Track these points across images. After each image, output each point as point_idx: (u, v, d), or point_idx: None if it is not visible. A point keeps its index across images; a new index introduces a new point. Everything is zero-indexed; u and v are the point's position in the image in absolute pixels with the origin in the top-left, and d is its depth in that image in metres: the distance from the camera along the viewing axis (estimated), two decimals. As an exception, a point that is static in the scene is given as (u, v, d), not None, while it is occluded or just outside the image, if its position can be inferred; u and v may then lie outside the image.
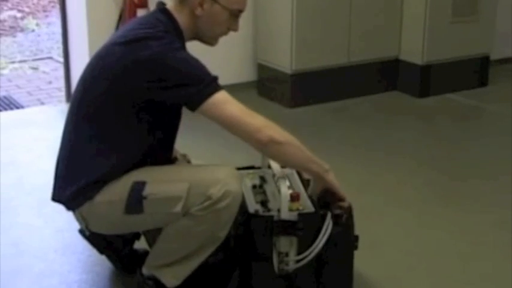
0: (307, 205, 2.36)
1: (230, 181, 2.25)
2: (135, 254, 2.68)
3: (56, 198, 2.40)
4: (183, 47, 2.32)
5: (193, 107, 2.20)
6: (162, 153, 2.44)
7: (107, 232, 2.47)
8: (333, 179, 2.40)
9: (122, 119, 2.28)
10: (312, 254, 2.31)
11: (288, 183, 2.43)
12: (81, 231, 2.61)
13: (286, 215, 2.29)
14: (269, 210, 2.35)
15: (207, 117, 2.22)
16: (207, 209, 2.22)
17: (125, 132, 2.30)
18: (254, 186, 2.52)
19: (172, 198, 2.23)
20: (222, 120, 2.21)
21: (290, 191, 2.35)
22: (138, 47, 2.21)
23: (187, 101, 2.21)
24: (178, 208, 2.22)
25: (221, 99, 2.20)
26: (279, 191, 2.37)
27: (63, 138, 2.43)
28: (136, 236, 2.67)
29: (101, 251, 2.63)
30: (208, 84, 2.20)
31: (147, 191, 2.25)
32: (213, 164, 2.38)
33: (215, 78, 2.23)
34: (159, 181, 2.28)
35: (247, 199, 2.41)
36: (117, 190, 2.29)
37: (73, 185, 2.32)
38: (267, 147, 2.24)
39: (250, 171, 2.60)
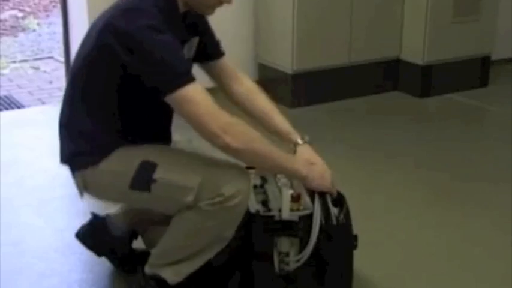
0: (308, 205, 2.35)
1: (242, 180, 2.25)
2: (134, 254, 2.68)
3: (61, 160, 2.41)
4: (173, 24, 2.22)
5: (159, 95, 2.14)
6: (161, 124, 2.44)
7: (106, 200, 2.50)
8: (316, 184, 2.35)
9: (113, 83, 2.25)
10: (309, 247, 2.29)
11: (289, 183, 2.42)
12: (77, 236, 2.62)
13: (287, 215, 2.28)
14: (270, 210, 2.34)
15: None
16: (217, 205, 2.21)
17: (116, 96, 2.27)
18: (255, 186, 2.50)
19: (183, 188, 2.21)
20: (184, 118, 2.16)
21: (291, 191, 2.34)
22: (123, 17, 2.16)
23: (155, 87, 2.14)
24: (189, 198, 2.20)
25: (186, 95, 2.12)
26: (279, 191, 2.37)
27: (63, 100, 2.43)
28: (134, 235, 2.68)
29: (98, 253, 2.64)
30: (178, 76, 2.12)
31: (158, 174, 2.23)
32: (224, 160, 2.32)
33: (187, 71, 2.15)
34: (171, 167, 2.26)
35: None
36: (125, 162, 2.27)
37: (76, 146, 2.34)
38: (227, 152, 2.18)
39: (252, 170, 2.57)
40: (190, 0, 2.28)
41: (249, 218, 2.32)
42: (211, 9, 2.33)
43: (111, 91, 2.26)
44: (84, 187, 2.39)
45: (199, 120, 2.13)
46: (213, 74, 2.59)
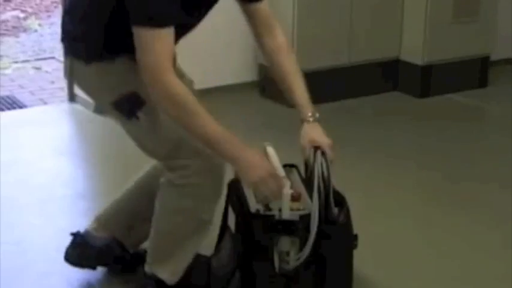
0: (308, 205, 2.34)
1: (215, 166, 2.28)
2: (136, 254, 2.68)
3: (61, 38, 2.39)
4: None
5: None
6: None
7: (85, 94, 2.55)
8: (246, 183, 2.25)
9: None
10: (308, 246, 2.27)
11: (288, 182, 2.39)
12: (66, 260, 2.65)
13: (287, 215, 2.28)
14: (270, 209, 2.33)
15: None
16: (184, 178, 2.27)
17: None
18: None
19: (162, 138, 2.28)
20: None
21: (291, 191, 2.31)
22: None
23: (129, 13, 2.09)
24: (163, 150, 2.29)
25: (142, 37, 2.07)
26: None
27: None
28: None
29: (92, 267, 2.67)
30: (144, 15, 2.06)
31: (142, 113, 2.25)
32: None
33: (158, 17, 2.06)
34: (156, 113, 2.23)
35: (248, 198, 2.39)
36: (116, 81, 2.28)
37: (76, 31, 2.31)
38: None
39: None
40: None
41: (250, 218, 2.32)
42: None
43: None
44: (70, 74, 2.40)
45: (140, 63, 2.09)
46: (248, 17, 2.49)
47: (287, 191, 2.28)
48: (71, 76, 2.43)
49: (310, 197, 2.35)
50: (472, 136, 4.36)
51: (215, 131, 2.11)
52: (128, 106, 2.27)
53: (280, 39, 2.51)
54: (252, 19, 2.49)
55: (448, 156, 4.01)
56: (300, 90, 2.49)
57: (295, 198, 2.32)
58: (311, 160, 2.39)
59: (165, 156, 2.32)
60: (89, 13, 2.27)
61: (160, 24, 2.06)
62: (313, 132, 2.44)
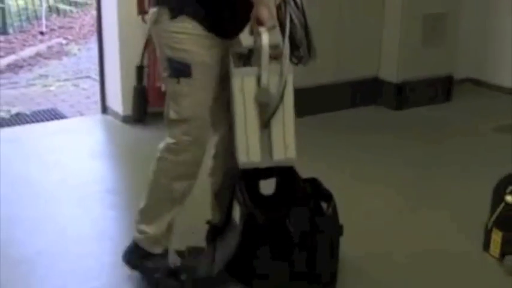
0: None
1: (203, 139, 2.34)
2: None
3: None
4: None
5: None
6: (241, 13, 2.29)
7: (157, 46, 2.40)
8: (263, 14, 2.19)
9: None
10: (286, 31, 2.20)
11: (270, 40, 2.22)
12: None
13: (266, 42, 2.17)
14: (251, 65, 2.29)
15: None
16: (172, 146, 2.33)
17: None
18: (241, 56, 2.40)
19: (183, 105, 2.31)
20: None
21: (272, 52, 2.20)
22: None
23: None
24: (177, 115, 2.31)
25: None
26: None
27: None
28: None
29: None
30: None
31: (183, 81, 2.26)
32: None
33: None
34: (200, 84, 2.28)
35: (230, 62, 2.32)
36: (187, 42, 2.25)
37: None
38: None
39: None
40: None
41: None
42: None
43: None
44: (155, 22, 2.30)
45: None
46: None
47: (266, 43, 2.18)
48: (155, 24, 2.30)
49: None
50: (439, 141, 4.35)
51: None
52: (177, 68, 2.26)
53: None
54: None
55: (419, 158, 4.00)
56: None
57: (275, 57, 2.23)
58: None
59: (172, 118, 2.33)
60: None
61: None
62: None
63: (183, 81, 2.26)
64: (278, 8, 2.28)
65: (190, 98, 2.29)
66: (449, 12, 5.01)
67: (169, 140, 2.35)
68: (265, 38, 2.18)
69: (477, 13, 5.45)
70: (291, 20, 2.23)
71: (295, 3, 2.26)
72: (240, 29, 2.38)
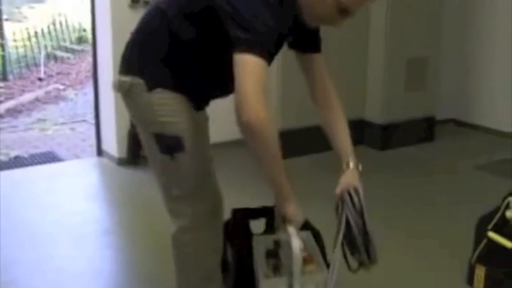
0: (321, 264, 1.98)
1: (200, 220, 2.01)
2: None
3: (120, 65, 2.05)
4: (284, 16, 1.82)
5: (232, 47, 1.74)
6: (213, 86, 2.05)
7: (134, 120, 2.13)
8: (290, 212, 1.89)
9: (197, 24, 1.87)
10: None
11: (301, 244, 1.87)
12: None
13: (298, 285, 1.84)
14: (281, 276, 1.95)
15: None
16: (186, 230, 2.02)
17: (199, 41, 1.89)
18: (268, 251, 2.09)
19: (182, 183, 2.00)
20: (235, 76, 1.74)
21: (304, 254, 1.86)
22: None
23: (231, 37, 1.75)
24: (176, 192, 2.01)
25: (245, 64, 1.72)
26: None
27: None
28: None
29: None
30: (250, 40, 1.72)
31: (178, 156, 1.94)
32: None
33: (262, 45, 1.73)
34: (195, 156, 1.97)
35: (259, 265, 2.02)
36: (170, 113, 1.94)
37: (140, 56, 1.98)
38: (239, 123, 1.75)
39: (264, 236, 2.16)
40: (305, 9, 1.87)
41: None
42: (320, 21, 1.95)
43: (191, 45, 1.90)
44: (126, 93, 2.00)
45: (240, 86, 1.73)
46: (303, 71, 2.27)
47: (297, 256, 1.82)
48: (127, 96, 2.00)
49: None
50: (422, 178, 4.38)
51: (279, 176, 1.86)
52: (168, 144, 1.95)
53: (333, 94, 2.35)
54: (308, 76, 2.29)
55: (404, 194, 4.03)
56: (340, 138, 2.30)
57: (307, 260, 1.93)
58: (338, 210, 2.03)
59: (172, 197, 2.02)
60: (161, 47, 1.94)
61: (263, 52, 1.74)
62: (344, 179, 2.14)
63: (178, 156, 1.95)
64: (336, 209, 2.04)
65: (190, 169, 1.99)
66: (431, 56, 5.12)
67: (181, 222, 2.03)
68: (295, 242, 1.79)
69: (458, 56, 5.57)
70: (347, 222, 1.96)
71: (353, 204, 2.01)
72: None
